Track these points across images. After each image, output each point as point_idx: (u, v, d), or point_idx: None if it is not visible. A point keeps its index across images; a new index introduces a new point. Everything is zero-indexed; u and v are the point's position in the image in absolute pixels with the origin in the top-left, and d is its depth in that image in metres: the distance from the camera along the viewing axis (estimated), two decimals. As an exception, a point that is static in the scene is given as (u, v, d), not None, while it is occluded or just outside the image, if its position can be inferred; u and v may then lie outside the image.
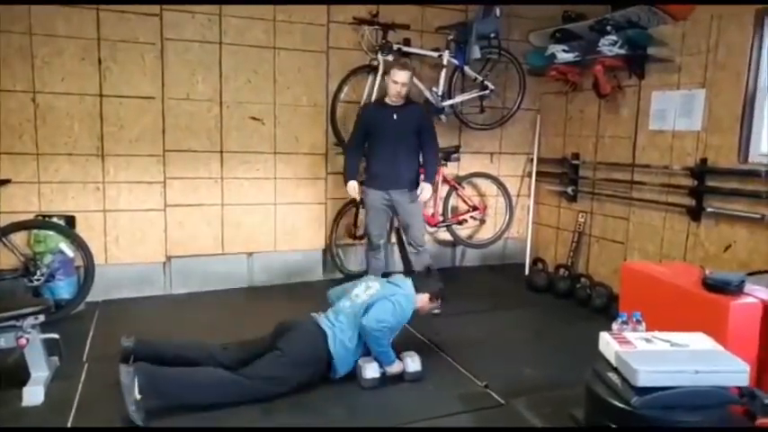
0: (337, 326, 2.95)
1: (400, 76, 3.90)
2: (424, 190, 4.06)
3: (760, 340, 2.48)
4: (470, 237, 5.36)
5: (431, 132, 4.17)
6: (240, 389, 2.67)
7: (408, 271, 4.60)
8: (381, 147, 4.06)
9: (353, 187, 4.10)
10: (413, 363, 3.02)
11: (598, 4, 4.43)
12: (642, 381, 1.91)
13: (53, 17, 3.89)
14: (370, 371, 2.91)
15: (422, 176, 4.12)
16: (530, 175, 5.41)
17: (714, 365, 1.95)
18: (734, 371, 1.94)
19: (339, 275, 4.80)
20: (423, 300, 3.21)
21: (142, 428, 2.45)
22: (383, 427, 2.57)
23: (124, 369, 2.51)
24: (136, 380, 2.47)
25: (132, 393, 2.44)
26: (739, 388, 2.01)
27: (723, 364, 1.96)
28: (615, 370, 2.06)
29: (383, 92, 4.45)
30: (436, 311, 4.11)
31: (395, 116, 4.00)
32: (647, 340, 2.13)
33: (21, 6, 3.81)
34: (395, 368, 2.99)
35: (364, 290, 3.14)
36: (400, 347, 3.12)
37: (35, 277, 3.77)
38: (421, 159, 4.16)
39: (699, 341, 2.12)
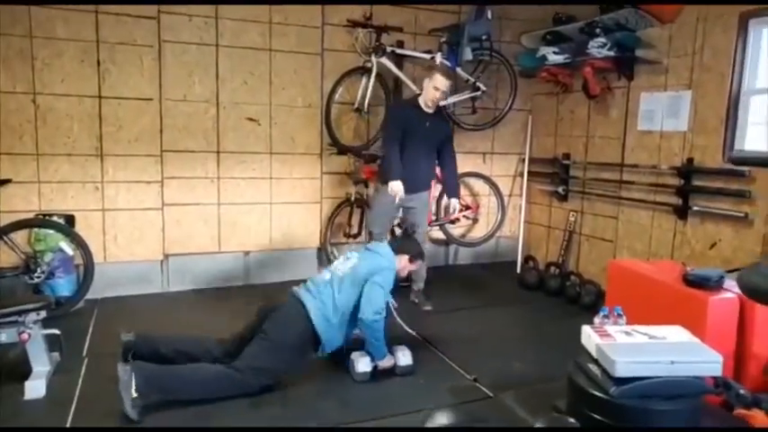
0: (318, 297, 2.97)
1: (443, 83, 3.88)
2: (454, 207, 4.19)
3: (737, 333, 2.57)
4: (463, 235, 5.44)
5: (452, 149, 4.25)
6: (232, 383, 2.74)
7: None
8: (409, 150, 4.00)
9: (400, 187, 3.86)
10: (404, 357, 3.10)
11: (588, 4, 4.52)
12: (620, 371, 1.99)
13: (53, 20, 3.96)
14: (362, 365, 2.99)
15: (442, 191, 4.29)
16: (521, 175, 5.50)
17: (689, 356, 2.04)
18: (708, 361, 2.03)
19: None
20: (402, 261, 3.26)
21: (140, 428, 2.52)
22: (382, 428, 2.64)
23: (122, 367, 2.58)
24: (133, 378, 2.54)
25: (129, 391, 2.51)
26: (714, 378, 2.10)
27: (698, 355, 2.05)
28: (596, 361, 2.14)
29: (377, 94, 4.54)
30: (427, 308, 4.22)
31: (427, 123, 4.02)
32: (627, 333, 2.22)
33: (21, 9, 3.88)
34: (386, 362, 3.07)
35: (343, 262, 3.18)
36: (392, 342, 3.19)
37: (35, 275, 3.84)
38: (438, 171, 4.26)
39: (676, 334, 2.21)
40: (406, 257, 3.28)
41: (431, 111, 4.03)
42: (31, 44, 3.94)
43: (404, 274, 3.36)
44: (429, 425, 1.31)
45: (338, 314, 2.97)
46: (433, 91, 3.90)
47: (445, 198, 4.30)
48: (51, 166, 4.10)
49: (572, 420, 1.36)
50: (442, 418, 1.27)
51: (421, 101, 4.02)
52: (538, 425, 1.34)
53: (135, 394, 2.52)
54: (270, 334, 2.85)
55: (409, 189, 3.99)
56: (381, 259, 3.15)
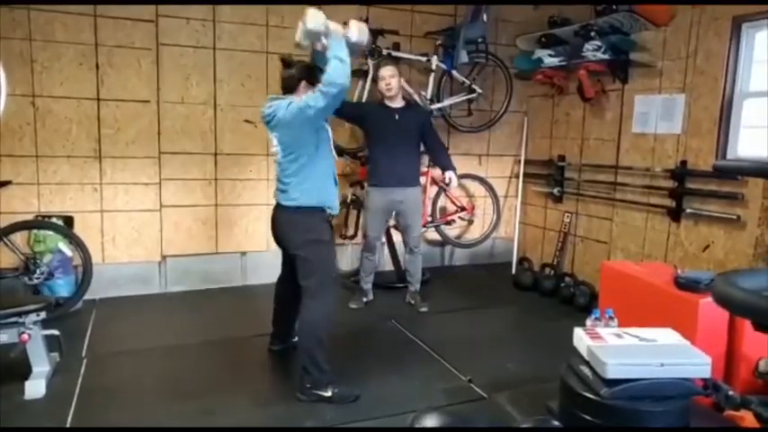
0: (285, 187, 2.92)
1: (384, 70, 4.06)
2: (453, 179, 4.28)
3: (728, 335, 2.61)
4: (459, 236, 5.49)
5: (435, 134, 4.34)
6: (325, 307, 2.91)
7: (400, 274, 4.73)
8: (383, 147, 4.12)
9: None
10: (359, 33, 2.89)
11: (582, 4, 4.56)
12: (611, 373, 2.03)
13: (52, 23, 3.99)
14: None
15: (440, 171, 4.37)
16: (517, 177, 5.54)
17: (679, 358, 2.07)
18: (697, 363, 2.06)
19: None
20: (303, 87, 2.93)
21: (138, 428, 2.56)
22: (381, 427, 2.67)
23: None
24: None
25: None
26: (703, 380, 2.13)
27: (687, 358, 2.09)
28: (587, 363, 2.18)
29: (374, 96, 4.57)
30: (423, 309, 4.25)
31: (396, 116, 4.10)
32: (618, 335, 2.25)
33: (21, 13, 3.91)
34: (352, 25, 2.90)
35: (273, 146, 3.00)
36: (387, 343, 3.23)
37: (35, 276, 3.88)
38: (427, 160, 4.40)
39: (666, 336, 2.24)
40: (303, 83, 2.95)
41: (398, 105, 4.13)
42: (30, 47, 3.97)
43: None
44: (417, 425, 1.35)
45: (307, 178, 2.88)
46: (380, 82, 4.06)
47: (445, 174, 4.32)
48: (50, 168, 4.13)
49: (556, 423, 1.40)
50: (430, 420, 1.31)
51: (386, 100, 4.15)
52: (523, 425, 1.38)
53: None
54: (299, 251, 2.91)
55: (393, 183, 4.10)
56: (283, 101, 2.89)
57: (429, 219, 5.06)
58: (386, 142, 4.11)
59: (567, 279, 4.75)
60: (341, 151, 4.73)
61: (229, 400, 2.83)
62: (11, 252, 3.87)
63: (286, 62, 3.02)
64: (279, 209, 3.00)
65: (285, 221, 2.97)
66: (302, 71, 2.98)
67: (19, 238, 3.96)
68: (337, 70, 2.69)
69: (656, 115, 4.15)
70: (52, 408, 2.71)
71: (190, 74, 4.40)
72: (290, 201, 2.91)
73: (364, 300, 4.35)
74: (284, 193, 2.94)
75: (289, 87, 2.97)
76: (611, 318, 2.45)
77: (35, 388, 2.80)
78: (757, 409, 1.99)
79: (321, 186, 2.94)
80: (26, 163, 4.06)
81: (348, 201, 4.79)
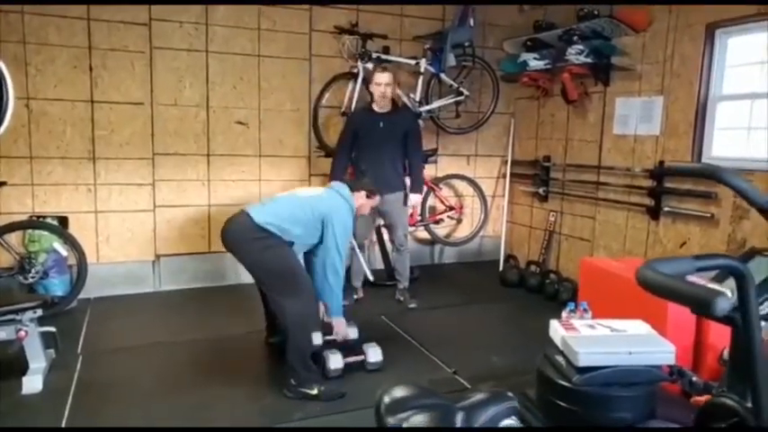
0: (266, 207, 3.12)
1: (381, 77, 4.11)
2: (413, 201, 4.35)
3: (696, 327, 2.75)
4: (448, 235, 5.61)
5: (417, 140, 4.37)
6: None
7: (389, 272, 4.84)
8: (368, 153, 4.25)
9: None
10: (374, 354, 3.19)
11: (563, 4, 4.69)
12: (582, 361, 2.15)
13: (46, 26, 4.07)
14: (334, 362, 3.08)
15: (408, 184, 4.37)
16: (504, 177, 5.67)
17: (646, 347, 2.20)
18: (662, 351, 2.19)
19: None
20: (360, 197, 3.38)
21: (135, 427, 2.64)
22: (376, 428, 2.76)
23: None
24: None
25: None
26: (669, 366, 2.26)
27: (653, 346, 2.22)
28: (561, 353, 2.30)
29: (364, 98, 4.68)
30: (412, 306, 4.36)
31: (381, 123, 4.19)
32: (591, 327, 2.38)
33: (15, 16, 3.99)
34: (341, 324, 3.20)
35: (305, 190, 3.40)
36: (376, 338, 3.33)
37: (30, 275, 3.96)
38: (407, 165, 4.38)
39: (636, 327, 2.37)
40: (363, 193, 3.41)
41: (385, 110, 4.20)
42: (24, 50, 4.05)
43: (364, 211, 3.50)
44: (385, 397, 1.48)
45: (287, 220, 3.04)
46: (376, 87, 4.12)
47: (410, 196, 4.42)
48: (45, 169, 4.21)
49: (509, 394, 1.53)
50: (398, 391, 1.43)
51: (374, 104, 4.21)
52: (479, 395, 1.51)
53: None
54: (266, 284, 3.09)
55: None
56: (340, 199, 3.24)
57: (419, 218, 5.17)
58: (370, 147, 4.21)
59: (551, 276, 4.88)
60: (332, 152, 4.84)
61: (223, 394, 2.92)
62: (6, 252, 3.95)
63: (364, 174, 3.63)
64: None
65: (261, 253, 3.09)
66: (367, 187, 3.44)
67: (14, 238, 4.04)
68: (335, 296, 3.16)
69: (636, 117, 4.29)
70: (49, 402, 2.80)
71: (183, 76, 4.49)
72: (256, 216, 3.04)
73: (354, 297, 4.46)
74: (259, 209, 3.11)
75: (353, 188, 3.37)
76: (585, 310, 2.58)
77: (32, 383, 2.88)
78: (719, 393, 2.11)
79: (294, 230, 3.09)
80: (21, 164, 4.14)
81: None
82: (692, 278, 1.58)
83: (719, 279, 2.02)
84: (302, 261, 3.23)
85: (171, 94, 4.48)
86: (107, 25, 4.23)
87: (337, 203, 3.19)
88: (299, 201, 3.17)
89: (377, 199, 3.55)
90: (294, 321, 2.92)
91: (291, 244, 3.06)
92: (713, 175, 1.62)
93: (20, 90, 4.06)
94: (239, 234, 3.04)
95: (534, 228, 5.44)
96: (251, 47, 4.66)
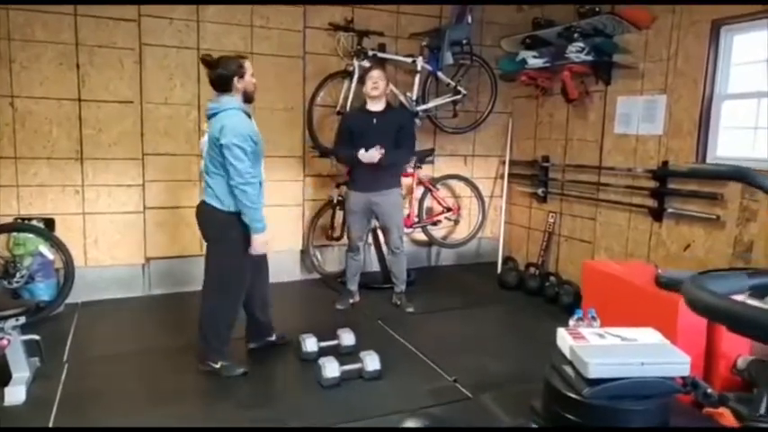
0: (209, 188, 3.09)
1: (374, 72, 4.03)
2: (372, 154, 4.00)
3: (707, 334, 2.65)
4: (445, 237, 5.51)
5: (409, 136, 4.22)
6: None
7: (386, 274, 4.73)
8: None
9: (370, 153, 3.97)
10: (372, 362, 3.08)
11: (563, 3, 4.59)
12: (593, 372, 2.04)
13: (31, 22, 3.94)
14: (330, 370, 2.98)
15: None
16: (502, 177, 5.57)
17: (659, 358, 2.10)
18: (677, 362, 2.08)
19: (316, 276, 4.91)
20: (236, 90, 3.00)
21: (132, 427, 2.54)
22: (372, 427, 2.67)
23: None
24: None
25: None
26: (683, 378, 2.16)
27: (667, 357, 2.11)
28: (570, 363, 2.20)
29: (359, 97, 4.57)
30: (410, 310, 4.26)
31: (374, 121, 4.09)
32: (600, 335, 2.27)
33: (-1, 12, 3.86)
34: (256, 240, 3.19)
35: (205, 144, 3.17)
36: (373, 344, 3.23)
37: (15, 279, 3.82)
38: (413, 162, 4.37)
39: (647, 336, 2.27)
40: (235, 79, 2.97)
41: (379, 109, 4.10)
42: (9, 47, 3.91)
43: (250, 87, 3.07)
44: (404, 425, 1.36)
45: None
46: (368, 81, 4.04)
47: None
48: (30, 170, 4.07)
49: (534, 426, 1.42)
50: (412, 421, 1.32)
51: (368, 102, 4.12)
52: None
53: None
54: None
55: (371, 188, 4.10)
56: (223, 112, 2.95)
57: (416, 219, 5.08)
58: (364, 146, 4.09)
59: (551, 278, 4.78)
60: (327, 152, 4.74)
61: (211, 402, 2.82)
62: (-10, 255, 3.82)
63: (209, 62, 2.98)
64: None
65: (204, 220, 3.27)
66: (230, 67, 2.97)
67: (-2, 241, 3.91)
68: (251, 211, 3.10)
69: (638, 116, 4.20)
70: (32, 414, 2.67)
71: (173, 74, 4.36)
72: (215, 201, 3.08)
73: (351, 301, 4.36)
74: (207, 191, 3.12)
75: (222, 87, 2.97)
76: (593, 318, 2.47)
77: (15, 395, 2.76)
78: (734, 405, 2.03)
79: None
80: (5, 165, 4.00)
81: (335, 202, 4.78)
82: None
83: (757, 296, 1.91)
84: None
85: (161, 92, 4.35)
86: (95, 21, 4.09)
87: (220, 118, 2.91)
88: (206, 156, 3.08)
89: (247, 64, 3.05)
90: (215, 278, 3.02)
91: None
92: (744, 177, 1.52)
93: (4, 88, 3.93)
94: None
95: (533, 229, 5.34)
96: (243, 45, 4.54)
